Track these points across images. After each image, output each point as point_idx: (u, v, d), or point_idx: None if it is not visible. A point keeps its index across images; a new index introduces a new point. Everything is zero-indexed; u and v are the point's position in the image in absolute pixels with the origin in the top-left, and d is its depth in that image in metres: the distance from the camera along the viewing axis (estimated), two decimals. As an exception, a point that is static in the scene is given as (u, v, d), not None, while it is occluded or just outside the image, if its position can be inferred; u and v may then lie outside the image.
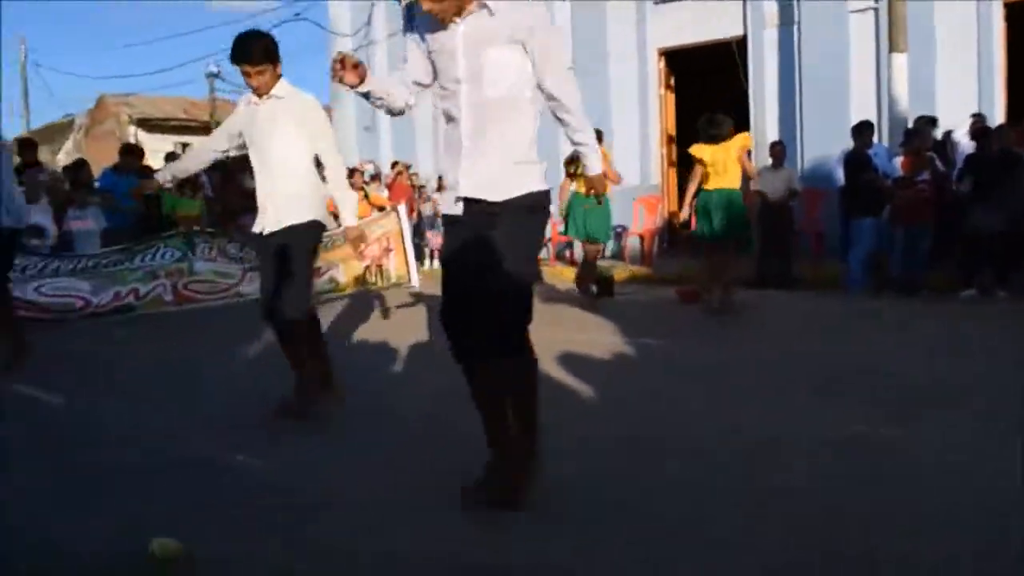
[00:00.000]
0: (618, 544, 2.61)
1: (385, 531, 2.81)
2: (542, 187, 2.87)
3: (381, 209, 11.00)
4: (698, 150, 7.43)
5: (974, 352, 5.43)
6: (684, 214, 7.93)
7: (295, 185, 4.08)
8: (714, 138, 7.31)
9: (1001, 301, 7.60)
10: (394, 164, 12.90)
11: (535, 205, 2.86)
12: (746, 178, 7.80)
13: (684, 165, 13.62)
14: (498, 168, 2.81)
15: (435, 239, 12.67)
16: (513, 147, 2.83)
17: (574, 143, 2.97)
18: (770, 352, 5.65)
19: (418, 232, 11.78)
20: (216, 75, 27.61)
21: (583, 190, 8.02)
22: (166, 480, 3.39)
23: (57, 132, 31.38)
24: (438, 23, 2.82)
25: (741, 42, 11.77)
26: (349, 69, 2.76)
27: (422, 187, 13.15)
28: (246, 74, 3.94)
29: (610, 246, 9.45)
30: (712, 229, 7.33)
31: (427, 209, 12.77)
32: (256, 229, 4.18)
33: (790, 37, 11.41)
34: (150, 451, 3.79)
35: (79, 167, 9.99)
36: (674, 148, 13.10)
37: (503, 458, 2.90)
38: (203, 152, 4.47)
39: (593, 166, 3.06)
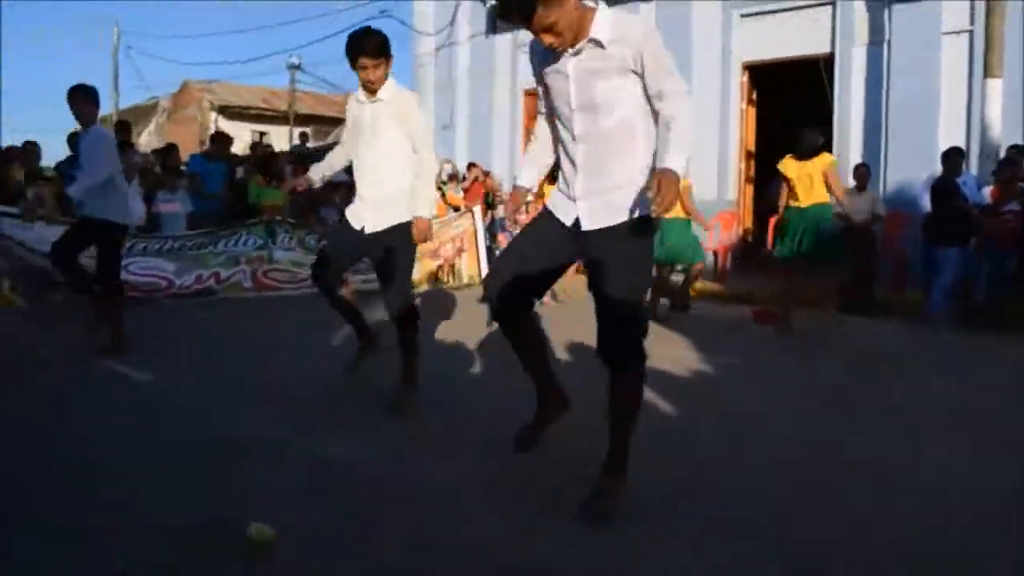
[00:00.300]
0: (705, 552, 2.63)
1: (468, 522, 2.88)
2: (647, 212, 2.90)
3: (457, 209, 11.13)
4: (784, 166, 7.33)
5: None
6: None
7: (397, 185, 4.19)
8: (802, 154, 7.18)
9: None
10: (470, 165, 12.99)
11: (644, 228, 2.92)
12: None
13: (761, 181, 13.51)
14: (614, 196, 2.89)
15: (505, 242, 12.74)
16: (629, 176, 2.90)
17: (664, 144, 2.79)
18: (848, 376, 5.58)
19: (490, 234, 11.85)
20: (297, 67, 28.16)
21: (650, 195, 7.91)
22: (250, 461, 3.51)
23: (142, 114, 32.30)
24: (547, 53, 2.89)
25: (828, 59, 11.58)
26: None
27: (496, 191, 13.22)
28: (363, 67, 4.05)
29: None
30: (796, 248, 7.17)
31: (501, 211, 12.83)
32: (356, 225, 4.29)
33: (879, 56, 11.17)
34: (235, 432, 3.93)
35: (169, 151, 10.30)
36: (752, 164, 12.95)
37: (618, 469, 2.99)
38: (339, 156, 4.59)
39: (672, 166, 2.68)
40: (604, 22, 2.79)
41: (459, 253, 10.79)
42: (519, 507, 3.02)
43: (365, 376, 4.76)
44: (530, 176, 3.40)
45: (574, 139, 2.93)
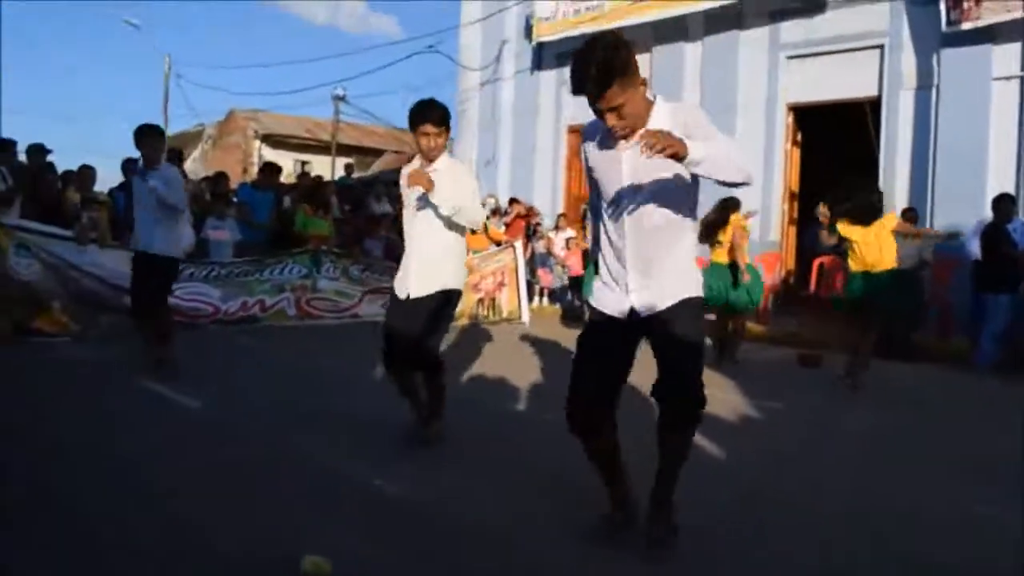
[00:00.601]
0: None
1: (519, 558, 2.87)
2: (699, 293, 2.97)
3: (498, 244, 11.19)
4: (847, 231, 6.93)
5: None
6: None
7: (441, 253, 4.28)
8: (862, 219, 6.81)
9: None
10: (512, 200, 13.07)
11: (696, 306, 2.96)
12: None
13: (804, 223, 13.43)
14: (666, 282, 2.90)
15: (546, 277, 12.77)
16: (678, 264, 2.92)
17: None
18: (896, 423, 5.50)
19: (530, 269, 11.90)
20: (341, 98, 28.55)
21: (722, 259, 7.90)
22: (301, 491, 3.53)
23: (188, 140, 32.91)
24: (604, 140, 2.89)
25: (875, 103, 11.54)
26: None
27: (538, 224, 13.29)
28: (425, 135, 4.17)
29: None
30: (869, 308, 6.85)
31: (540, 247, 12.89)
32: (400, 295, 4.33)
33: (927, 100, 11.11)
34: (285, 460, 3.96)
35: (219, 179, 10.48)
36: (796, 205, 12.89)
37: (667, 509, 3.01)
38: None
39: (691, 147, 2.60)
40: (663, 113, 2.81)
41: (499, 287, 10.83)
42: (568, 543, 3.01)
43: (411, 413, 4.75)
44: None
45: (623, 231, 2.90)
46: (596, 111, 2.77)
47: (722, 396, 5.99)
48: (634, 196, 2.84)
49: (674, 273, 2.91)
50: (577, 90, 2.76)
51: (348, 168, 16.49)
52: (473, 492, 3.61)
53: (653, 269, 2.89)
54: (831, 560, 3.03)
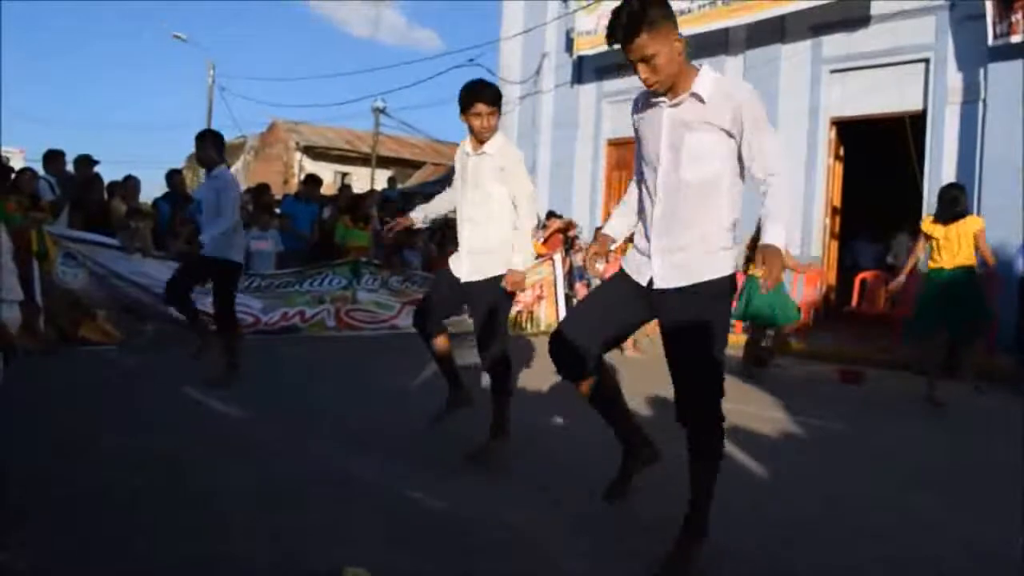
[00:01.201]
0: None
1: (555, 571, 2.86)
2: (729, 272, 2.90)
3: (537, 256, 11.19)
4: (931, 228, 6.92)
5: None
6: (896, 284, 7.47)
7: (495, 237, 4.26)
8: (954, 216, 6.80)
9: None
10: (550, 215, 13.08)
11: (722, 290, 2.90)
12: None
13: (845, 238, 13.28)
14: (690, 255, 2.85)
15: (583, 290, 12.73)
16: (706, 235, 2.86)
17: (763, 217, 2.79)
18: (940, 443, 5.41)
19: (568, 283, 11.88)
20: (382, 111, 28.83)
21: (759, 273, 7.84)
22: (340, 501, 3.55)
23: (230, 151, 33.39)
24: (649, 102, 2.91)
25: (920, 116, 11.39)
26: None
27: (576, 237, 13.27)
28: (477, 114, 4.15)
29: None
30: (942, 313, 6.80)
31: (578, 259, 12.85)
32: (456, 273, 4.37)
33: (974, 114, 10.93)
34: (323, 470, 3.99)
35: (262, 191, 10.63)
36: (838, 220, 12.75)
37: (696, 532, 2.94)
38: (445, 201, 4.68)
39: (773, 236, 2.72)
40: (707, 79, 2.82)
41: (538, 300, 10.84)
42: (603, 555, 2.99)
43: (451, 424, 4.78)
44: (617, 226, 3.35)
45: (657, 193, 2.89)
46: (631, 64, 2.79)
47: (763, 413, 5.94)
48: (671, 152, 2.84)
49: (702, 243, 2.84)
50: (609, 39, 2.80)
51: (391, 181, 16.61)
52: (516, 507, 3.60)
53: (680, 233, 2.85)
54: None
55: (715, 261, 2.86)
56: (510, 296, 4.33)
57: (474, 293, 4.30)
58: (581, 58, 14.84)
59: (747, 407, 6.07)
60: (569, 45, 14.99)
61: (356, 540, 3.11)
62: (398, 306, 9.76)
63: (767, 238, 2.70)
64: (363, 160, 30.92)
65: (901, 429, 5.90)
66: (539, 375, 6.95)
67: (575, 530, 3.30)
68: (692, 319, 2.83)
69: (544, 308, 10.92)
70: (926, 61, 11.37)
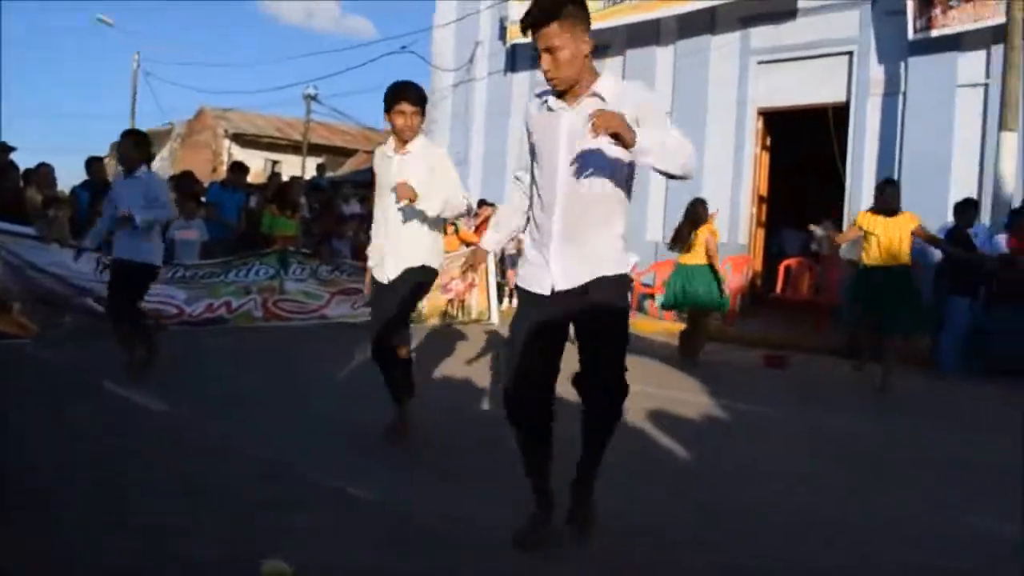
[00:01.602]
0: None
1: (492, 559, 2.85)
2: (627, 270, 2.94)
3: (468, 245, 11.15)
4: (868, 222, 7.07)
5: None
6: (842, 238, 7.83)
7: (416, 239, 4.24)
8: (891, 212, 6.98)
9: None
10: (481, 202, 13.05)
11: (621, 283, 2.94)
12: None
13: (772, 226, 13.54)
14: (588, 260, 2.85)
15: (514, 278, 12.75)
16: (605, 243, 2.86)
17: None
18: (857, 425, 5.55)
19: (500, 271, 11.88)
20: (313, 98, 28.40)
21: (691, 261, 7.95)
22: (270, 496, 3.48)
23: (156, 139, 32.49)
24: (545, 109, 2.87)
25: (844, 108, 11.65)
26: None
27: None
28: (401, 113, 4.11)
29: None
30: (877, 309, 7.02)
31: (511, 247, 12.85)
32: (378, 278, 4.33)
33: (894, 107, 11.24)
34: (253, 464, 3.91)
35: (186, 179, 10.36)
36: (764, 209, 12.99)
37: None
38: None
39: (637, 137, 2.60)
40: (608, 81, 2.83)
41: (469, 288, 10.80)
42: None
43: (384, 413, 4.71)
44: (494, 239, 3.34)
45: (555, 200, 2.84)
46: (537, 50, 2.78)
47: (686, 397, 6.01)
48: (569, 162, 2.80)
49: (600, 248, 2.85)
50: (523, 23, 2.79)
51: (320, 168, 16.38)
52: (444, 495, 3.58)
53: (579, 240, 2.84)
54: (793, 568, 3.03)
55: (613, 260, 2.88)
56: (425, 286, 4.33)
57: (394, 285, 4.26)
58: (514, 47, 14.81)
59: (673, 392, 6.15)
60: (502, 33, 14.95)
61: (282, 534, 3.04)
62: (327, 296, 9.62)
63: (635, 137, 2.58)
64: (294, 148, 30.38)
65: (824, 411, 6.04)
66: (472, 364, 6.94)
67: (507, 517, 3.26)
68: (597, 303, 2.84)
69: (476, 296, 10.89)
70: (850, 54, 11.64)
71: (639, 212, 13.08)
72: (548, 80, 2.81)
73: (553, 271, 2.86)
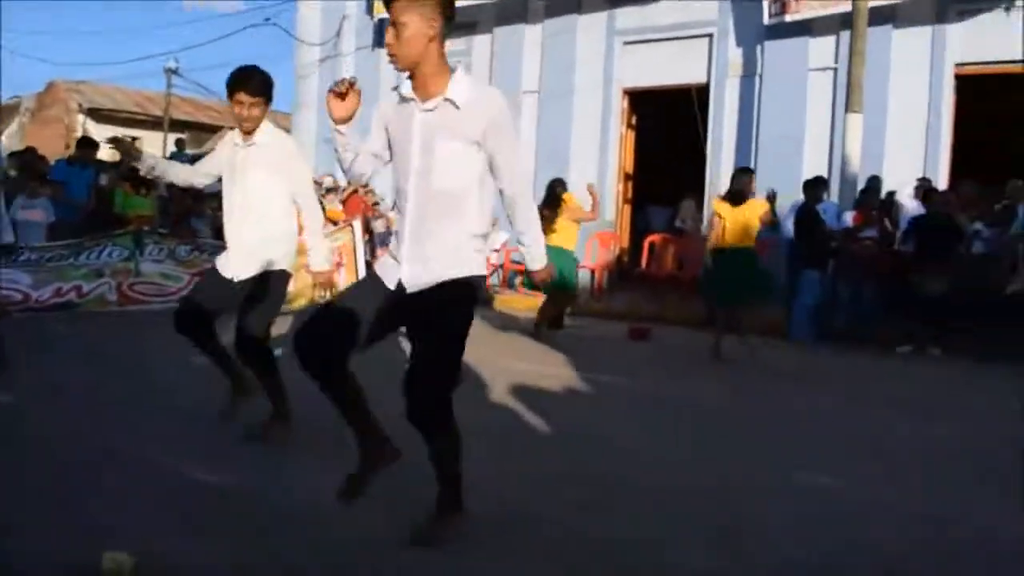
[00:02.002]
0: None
1: (325, 545, 2.81)
2: (477, 272, 2.86)
3: (335, 223, 10.96)
4: (721, 208, 7.36)
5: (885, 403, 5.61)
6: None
7: (268, 230, 4.08)
8: (742, 199, 7.26)
9: (934, 358, 7.90)
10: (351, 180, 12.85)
11: (468, 291, 2.84)
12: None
13: (640, 204, 13.90)
14: (438, 260, 2.79)
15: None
16: (457, 245, 2.81)
17: (520, 243, 3.02)
18: (717, 394, 5.79)
19: (370, 249, 11.72)
20: (175, 71, 27.26)
21: (552, 243, 8.05)
22: (115, 487, 3.34)
23: (3, 114, 30.54)
24: (399, 103, 2.82)
25: (705, 88, 12.03)
26: (348, 100, 2.78)
27: (376, 204, 13.12)
28: (239, 103, 3.94)
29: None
30: (727, 291, 7.31)
31: (380, 226, 12.72)
32: (226, 274, 4.14)
33: (751, 88, 11.70)
34: (99, 456, 3.73)
35: (30, 155, 9.76)
36: (630, 186, 13.31)
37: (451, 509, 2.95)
38: (186, 174, 4.41)
39: (534, 260, 3.08)
40: (462, 84, 2.75)
41: (337, 267, 10.59)
42: (395, 526, 2.97)
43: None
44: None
45: (407, 199, 2.81)
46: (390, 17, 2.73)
47: (552, 371, 6.11)
48: (421, 159, 2.76)
49: (451, 249, 2.79)
50: None
51: (179, 143, 15.72)
52: (297, 479, 3.51)
53: (430, 239, 2.79)
54: (641, 533, 3.11)
55: (463, 263, 2.82)
56: (282, 295, 4.22)
57: (246, 289, 4.09)
58: (382, 20, 14.53)
59: (537, 367, 6.25)
60: (370, 7, 14.66)
61: (129, 525, 2.92)
62: (187, 277, 9.23)
63: (532, 264, 3.08)
64: (155, 124, 29.10)
65: (684, 381, 6.27)
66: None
67: (390, 509, 3.22)
68: (437, 317, 2.78)
69: (344, 275, 10.71)
70: (710, 36, 12.01)
71: (509, 190, 13.16)
72: (389, 56, 2.76)
73: (403, 271, 2.82)
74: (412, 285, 2.81)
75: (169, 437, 4.09)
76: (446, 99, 2.71)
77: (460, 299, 2.82)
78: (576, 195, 8.48)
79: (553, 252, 7.79)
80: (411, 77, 2.78)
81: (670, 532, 3.10)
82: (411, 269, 2.80)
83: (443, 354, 2.80)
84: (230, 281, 4.12)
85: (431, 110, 2.74)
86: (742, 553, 2.94)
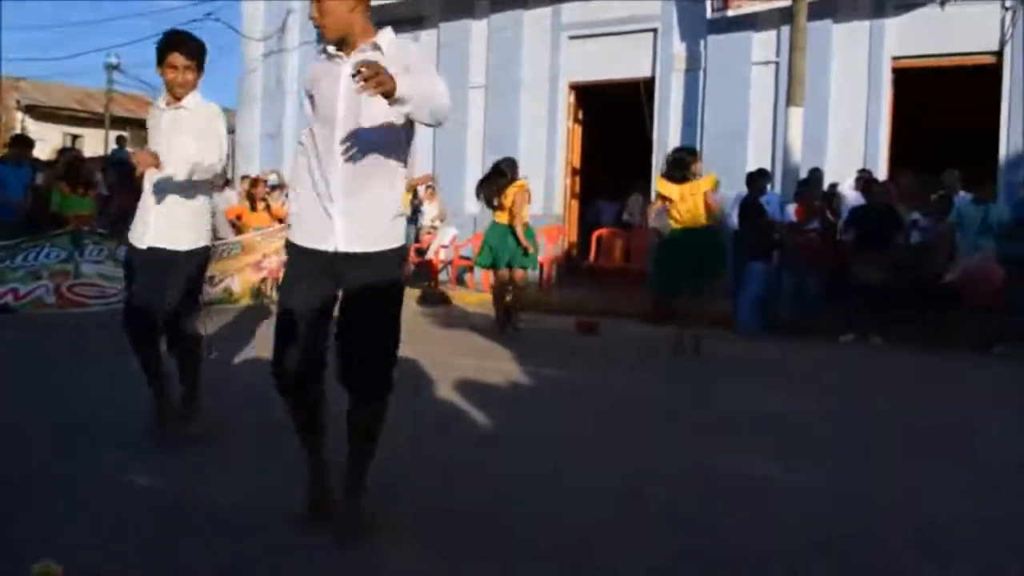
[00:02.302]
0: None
1: (267, 550, 2.78)
2: (402, 242, 2.91)
3: (281, 220, 10.83)
4: (665, 188, 7.25)
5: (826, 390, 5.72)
6: (652, 209, 8.01)
7: (192, 200, 3.96)
8: (684, 177, 7.17)
9: (875, 346, 8.06)
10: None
11: (398, 259, 2.90)
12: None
13: (588, 198, 13.97)
14: (371, 220, 2.79)
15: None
16: (384, 200, 2.81)
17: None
18: (661, 386, 5.84)
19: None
20: (116, 67, 26.74)
21: (504, 220, 8.08)
22: (43, 496, 3.25)
23: (-63, 112, 29.64)
24: (326, 59, 2.81)
25: (650, 82, 12.12)
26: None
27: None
28: (173, 66, 3.82)
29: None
30: (683, 270, 7.20)
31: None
32: (138, 244, 3.98)
33: (695, 82, 11.82)
34: (26, 465, 3.63)
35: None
36: (578, 180, 13.36)
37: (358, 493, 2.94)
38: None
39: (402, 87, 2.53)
40: (387, 35, 2.80)
41: (283, 266, 10.49)
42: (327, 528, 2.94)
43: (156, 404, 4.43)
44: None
45: (334, 150, 2.75)
46: None
47: (497, 366, 6.11)
48: (350, 109, 2.74)
49: (382, 209, 2.80)
50: None
51: (120, 140, 15.40)
52: (229, 482, 3.46)
53: (362, 198, 2.77)
54: (587, 533, 3.13)
55: (392, 230, 2.84)
56: (203, 271, 4.11)
57: (172, 262, 3.94)
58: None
59: (483, 361, 6.24)
60: (314, 1, 14.49)
61: (74, 535, 2.85)
62: (129, 277, 9.08)
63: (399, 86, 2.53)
64: (97, 121, 28.49)
65: (630, 374, 6.30)
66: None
67: (297, 500, 3.19)
68: (375, 281, 2.79)
69: (292, 274, 10.59)
70: (654, 31, 12.10)
71: (458, 185, 13.17)
72: (316, 28, 2.77)
73: (337, 230, 2.77)
74: (350, 245, 2.77)
75: (100, 444, 3.99)
76: (373, 44, 2.75)
77: (394, 265, 2.86)
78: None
79: (502, 230, 7.93)
80: (340, 47, 2.79)
81: (612, 527, 3.12)
82: (346, 227, 2.76)
83: (388, 315, 2.82)
84: (148, 252, 3.91)
85: (359, 54, 2.73)
86: (690, 544, 2.96)
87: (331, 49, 2.80)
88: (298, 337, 2.82)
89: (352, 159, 2.76)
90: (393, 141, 2.81)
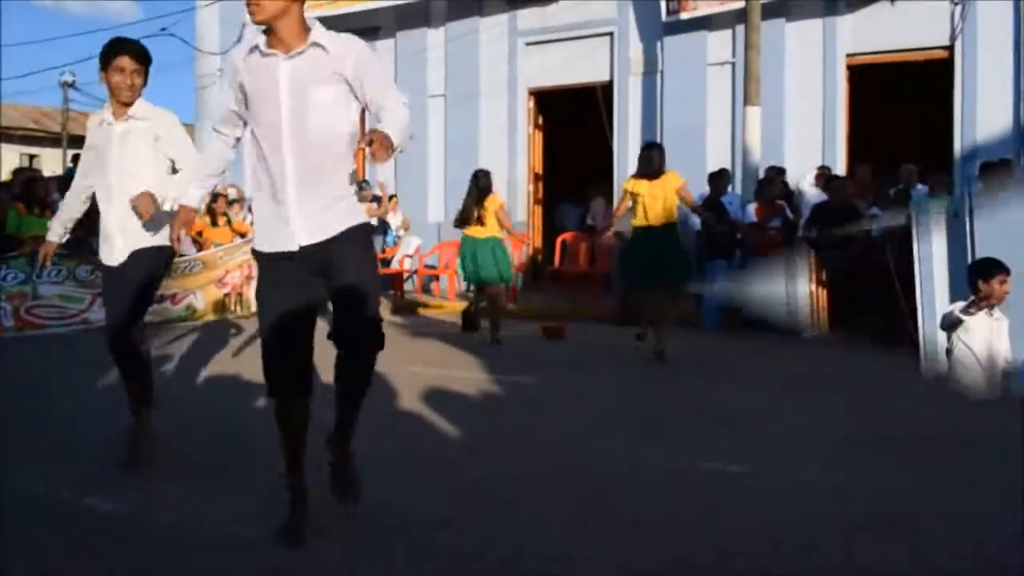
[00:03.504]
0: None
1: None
2: (366, 219, 2.97)
3: (243, 235, 10.75)
4: (634, 185, 7.18)
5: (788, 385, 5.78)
6: (610, 233, 8.06)
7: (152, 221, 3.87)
8: (654, 174, 7.10)
9: (837, 341, 8.14)
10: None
11: (364, 233, 2.95)
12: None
13: (551, 203, 14.00)
14: (330, 213, 2.83)
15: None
16: (340, 193, 2.85)
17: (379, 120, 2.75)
18: (628, 388, 5.86)
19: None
20: (71, 85, 26.36)
21: (484, 234, 8.00)
22: (10, 519, 3.19)
23: None
24: (258, 57, 2.79)
25: (608, 87, 12.19)
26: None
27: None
28: (120, 70, 3.73)
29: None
30: (649, 268, 7.11)
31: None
32: (106, 262, 3.92)
33: (653, 85, 11.90)
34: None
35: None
36: (540, 186, 13.39)
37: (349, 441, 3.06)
38: (79, 192, 4.09)
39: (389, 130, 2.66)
40: (323, 32, 2.80)
41: (247, 280, 10.40)
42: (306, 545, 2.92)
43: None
44: (197, 196, 3.29)
45: (283, 149, 2.76)
46: None
47: (465, 375, 6.10)
48: (296, 108, 2.75)
49: (337, 199, 2.84)
50: None
51: (76, 159, 15.14)
52: (180, 501, 3.41)
53: (317, 190, 2.80)
54: (551, 530, 3.13)
55: (352, 212, 2.89)
56: (160, 274, 3.98)
57: (127, 269, 3.85)
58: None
59: (449, 371, 6.22)
60: (270, 15, 14.40)
61: (34, 557, 2.81)
62: (88, 298, 8.94)
63: (382, 127, 2.65)
64: (54, 140, 28.10)
65: (599, 379, 6.31)
66: (243, 360, 6.68)
67: (258, 519, 3.16)
68: (345, 253, 2.83)
69: (254, 288, 10.50)
70: (611, 35, 12.17)
71: (420, 194, 13.16)
72: (248, 7, 2.72)
73: (295, 227, 2.80)
74: (309, 237, 2.80)
75: (52, 465, 3.93)
76: (314, 43, 2.75)
77: (364, 238, 2.93)
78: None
79: (484, 243, 7.89)
80: (268, 32, 2.77)
81: (574, 529, 3.13)
82: (306, 223, 2.79)
83: (370, 297, 2.86)
84: (118, 268, 3.86)
85: (299, 53, 2.74)
86: (647, 544, 2.98)
87: (263, 47, 2.77)
88: (284, 335, 2.86)
89: (304, 161, 2.78)
90: (343, 134, 2.82)
